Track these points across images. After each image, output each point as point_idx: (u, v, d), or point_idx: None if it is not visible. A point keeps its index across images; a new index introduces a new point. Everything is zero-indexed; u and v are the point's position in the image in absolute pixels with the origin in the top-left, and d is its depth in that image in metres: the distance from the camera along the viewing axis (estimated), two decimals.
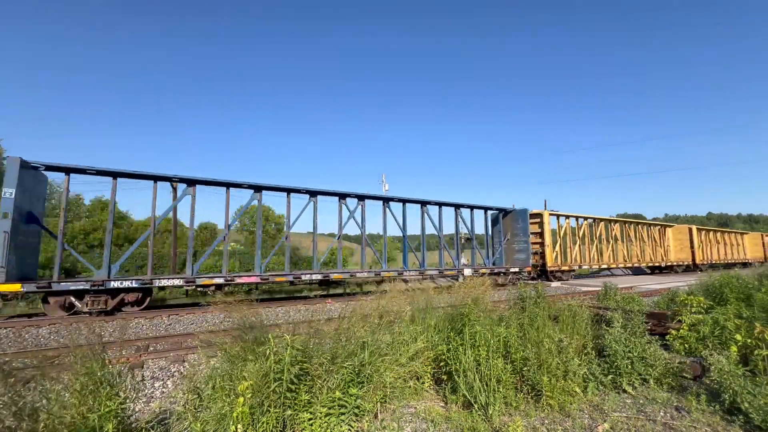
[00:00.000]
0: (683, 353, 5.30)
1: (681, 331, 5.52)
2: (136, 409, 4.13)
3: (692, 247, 31.57)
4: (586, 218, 24.82)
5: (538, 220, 21.76)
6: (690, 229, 32.19)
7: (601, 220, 26.05)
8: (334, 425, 3.20)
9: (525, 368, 4.04)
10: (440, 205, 18.10)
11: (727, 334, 5.06)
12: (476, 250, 19.22)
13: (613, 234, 26.57)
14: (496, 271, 18.41)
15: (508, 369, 3.98)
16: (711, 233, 35.42)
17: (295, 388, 3.21)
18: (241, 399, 2.86)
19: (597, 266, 24.84)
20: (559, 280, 21.30)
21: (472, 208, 19.27)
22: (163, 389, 5.08)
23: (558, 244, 22.36)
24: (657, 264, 29.41)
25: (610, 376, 4.35)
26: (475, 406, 3.66)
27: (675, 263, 30.63)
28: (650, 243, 29.52)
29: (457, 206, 18.77)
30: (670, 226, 32.80)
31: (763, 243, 41.79)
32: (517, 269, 18.99)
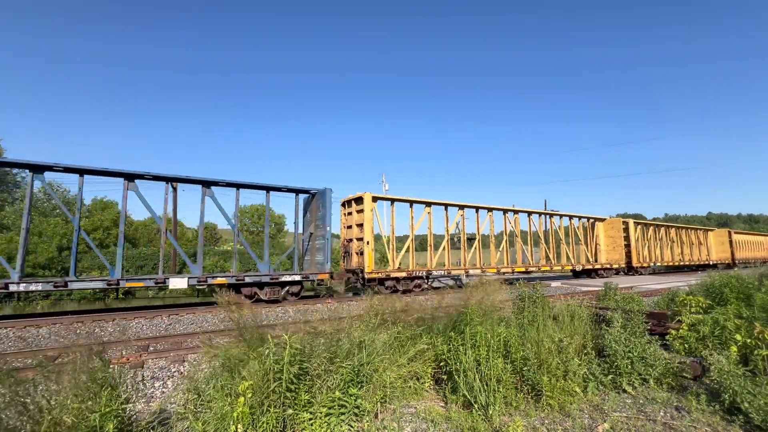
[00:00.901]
0: (683, 353, 5.30)
1: (681, 331, 5.52)
2: (137, 409, 4.14)
3: (628, 246, 25.36)
4: (462, 207, 18.26)
5: (360, 207, 15.32)
6: (625, 224, 25.79)
7: (490, 209, 19.30)
8: (335, 425, 3.20)
9: (525, 368, 4.05)
10: (173, 181, 12.43)
11: (727, 334, 5.06)
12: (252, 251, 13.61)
13: (508, 230, 20.20)
14: (251, 280, 12.15)
15: (508, 369, 3.98)
16: (662, 229, 29.58)
17: (295, 387, 3.21)
18: (242, 399, 2.86)
19: (463, 272, 17.75)
20: (392, 290, 14.79)
21: (238, 186, 12.95)
22: (164, 389, 5.09)
23: (409, 242, 16.33)
24: (578, 267, 23.05)
25: (610, 376, 4.36)
26: (475, 406, 3.67)
27: (603, 266, 24.21)
28: (571, 242, 23.19)
29: (207, 183, 12.33)
30: (602, 220, 26.05)
31: (731, 241, 34.49)
32: (298, 278, 12.96)
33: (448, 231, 17.87)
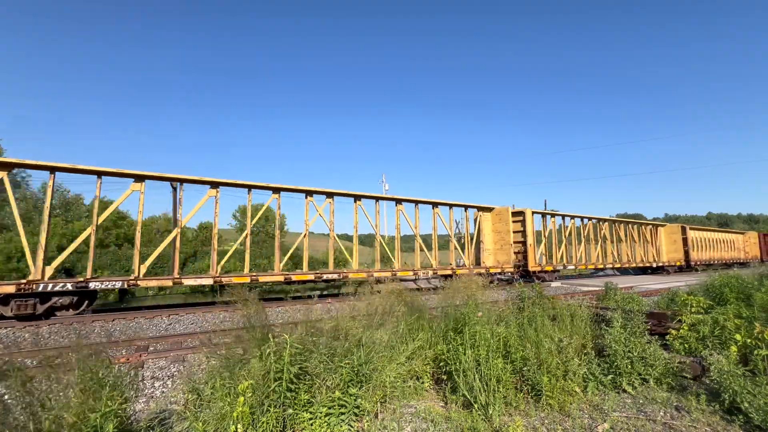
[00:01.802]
0: (683, 353, 5.30)
1: (681, 331, 5.52)
2: (137, 409, 4.14)
3: (523, 243, 18.70)
4: (191, 181, 12.20)
5: None
6: (520, 215, 19.00)
7: (276, 190, 13.29)
8: (335, 425, 3.20)
9: (525, 368, 4.05)
10: None
11: (726, 333, 5.06)
12: None
13: (355, 223, 14.67)
14: None
15: (508, 369, 3.98)
16: (589, 223, 22.92)
17: (295, 387, 3.22)
18: (242, 398, 2.86)
19: (248, 280, 12.09)
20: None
21: None
22: (164, 389, 5.09)
23: (90, 237, 10.76)
24: (423, 273, 15.97)
25: (610, 376, 4.36)
26: (475, 405, 3.67)
27: (470, 270, 16.09)
28: (434, 240, 17.06)
29: None
30: (488, 210, 19.01)
31: (685, 239, 28.30)
32: None
33: (180, 221, 12.48)
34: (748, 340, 4.52)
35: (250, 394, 2.94)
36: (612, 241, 24.40)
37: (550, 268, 19.46)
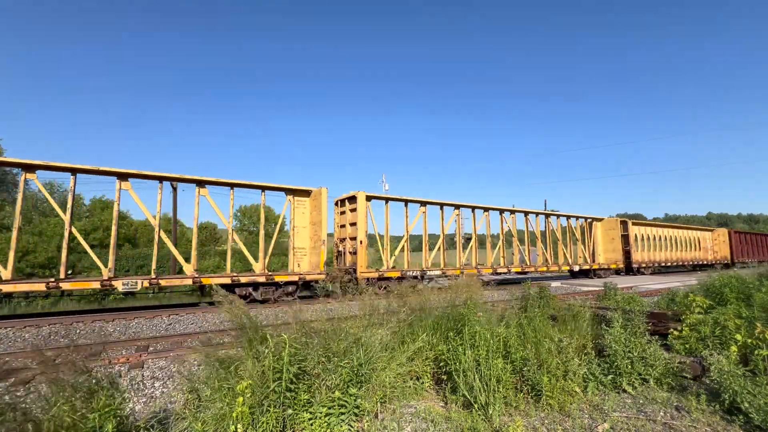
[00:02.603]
0: (683, 353, 5.29)
1: (683, 331, 5.52)
2: (137, 409, 4.14)
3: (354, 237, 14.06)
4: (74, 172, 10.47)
5: None
6: (355, 201, 14.05)
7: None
8: (335, 425, 3.20)
9: (525, 368, 4.04)
10: None
11: (727, 333, 5.06)
12: None
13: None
14: None
15: (508, 369, 3.98)
16: (503, 216, 18.07)
17: (294, 387, 3.21)
18: (241, 399, 2.85)
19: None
20: None
21: None
22: (164, 389, 5.08)
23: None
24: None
25: (610, 376, 4.35)
26: (475, 406, 3.66)
27: (262, 277, 11.90)
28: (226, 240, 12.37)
29: None
30: (305, 194, 13.45)
31: (626, 237, 23.65)
32: None
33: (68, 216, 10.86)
34: (749, 340, 4.52)
35: (249, 394, 2.93)
36: (521, 240, 19.19)
37: (396, 274, 13.91)
